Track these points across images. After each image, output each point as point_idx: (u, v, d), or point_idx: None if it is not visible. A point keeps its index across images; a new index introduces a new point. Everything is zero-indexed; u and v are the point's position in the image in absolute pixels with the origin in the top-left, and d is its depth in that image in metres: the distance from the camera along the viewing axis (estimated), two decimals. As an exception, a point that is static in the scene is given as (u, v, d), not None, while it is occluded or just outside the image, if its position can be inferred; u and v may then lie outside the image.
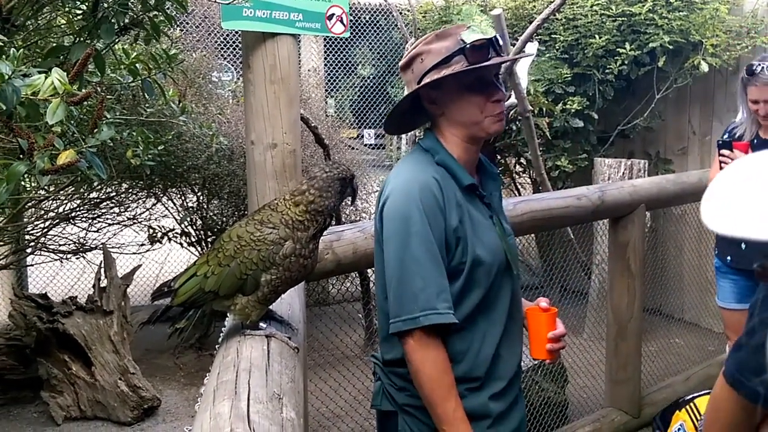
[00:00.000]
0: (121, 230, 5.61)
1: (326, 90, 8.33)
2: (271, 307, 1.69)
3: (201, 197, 5.42)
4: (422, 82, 1.74)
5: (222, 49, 6.50)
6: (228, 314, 1.65)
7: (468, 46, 1.71)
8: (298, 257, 1.52)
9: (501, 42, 1.78)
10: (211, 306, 1.61)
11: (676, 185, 4.11)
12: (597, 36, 5.38)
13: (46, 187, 4.19)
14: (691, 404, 2.66)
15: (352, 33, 8.10)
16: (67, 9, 2.11)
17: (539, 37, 5.50)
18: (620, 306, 3.83)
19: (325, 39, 7.77)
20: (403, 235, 1.67)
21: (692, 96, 5.76)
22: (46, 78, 1.35)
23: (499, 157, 6.23)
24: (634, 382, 3.91)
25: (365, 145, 10.68)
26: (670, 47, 5.26)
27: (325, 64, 8.37)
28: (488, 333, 1.78)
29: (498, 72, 1.84)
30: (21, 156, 1.40)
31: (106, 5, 1.88)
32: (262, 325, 1.56)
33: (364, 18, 8.49)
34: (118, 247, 5.52)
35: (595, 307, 5.19)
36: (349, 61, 9.20)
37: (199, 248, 5.61)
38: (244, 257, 1.51)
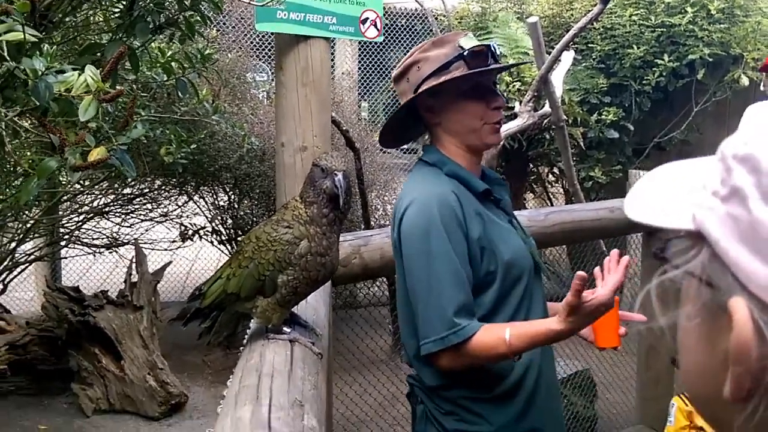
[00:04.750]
0: (154, 226, 5.68)
1: (360, 93, 8.34)
2: (295, 310, 1.67)
3: (232, 196, 5.47)
4: (420, 90, 1.72)
5: (258, 49, 6.54)
6: (251, 317, 1.65)
7: (467, 51, 1.68)
8: (315, 255, 1.49)
9: (498, 50, 1.75)
10: (234, 308, 1.60)
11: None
12: (635, 46, 5.31)
13: (81, 182, 4.25)
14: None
15: (387, 37, 8.10)
16: (104, 7, 2.13)
17: (575, 45, 5.43)
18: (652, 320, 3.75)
19: (359, 42, 7.78)
20: (425, 254, 1.62)
21: (731, 110, 5.63)
22: (79, 75, 1.36)
23: (531, 165, 6.17)
24: (665, 400, 3.81)
25: (398, 148, 10.66)
26: (710, 60, 5.17)
27: (360, 68, 8.38)
28: None
29: (495, 80, 1.82)
30: (53, 152, 1.42)
31: (142, 4, 1.89)
32: (286, 329, 1.55)
33: (400, 23, 8.49)
34: (150, 243, 5.59)
35: (627, 321, 5.09)
36: (384, 65, 9.19)
37: (229, 247, 5.65)
38: (261, 258, 1.50)
